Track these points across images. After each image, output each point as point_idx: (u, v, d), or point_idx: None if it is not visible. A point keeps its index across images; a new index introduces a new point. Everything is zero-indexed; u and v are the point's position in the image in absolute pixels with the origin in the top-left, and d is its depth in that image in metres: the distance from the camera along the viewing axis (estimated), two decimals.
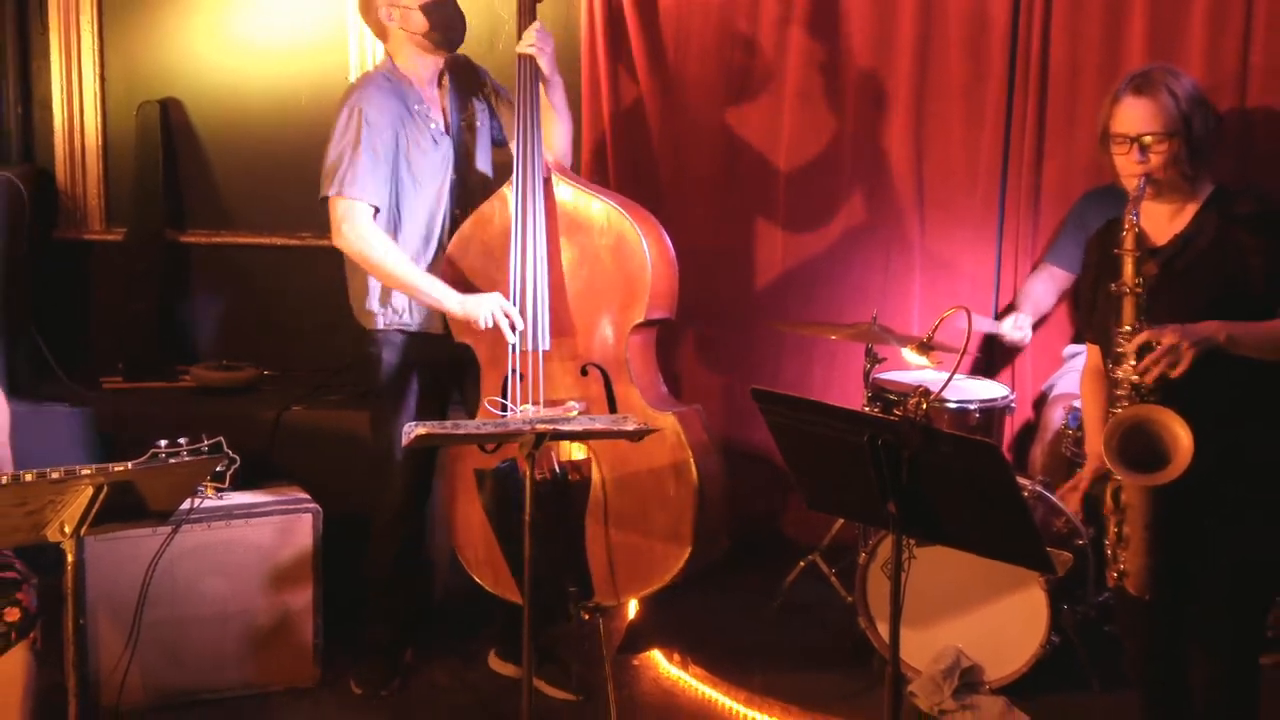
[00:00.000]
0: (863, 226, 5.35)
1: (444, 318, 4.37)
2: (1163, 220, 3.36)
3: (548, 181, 4.35)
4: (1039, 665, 4.33)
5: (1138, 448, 3.16)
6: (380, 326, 4.40)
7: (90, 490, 3.17)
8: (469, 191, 4.45)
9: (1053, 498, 4.55)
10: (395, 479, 4.46)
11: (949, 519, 3.11)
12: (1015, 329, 4.97)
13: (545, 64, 4.33)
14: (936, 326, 4.20)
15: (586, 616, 4.14)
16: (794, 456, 3.36)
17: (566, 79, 4.50)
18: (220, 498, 3.66)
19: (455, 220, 4.43)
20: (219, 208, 5.71)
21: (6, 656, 3.62)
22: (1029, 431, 5.13)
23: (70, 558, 3.23)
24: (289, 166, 5.52)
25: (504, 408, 4.23)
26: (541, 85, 4.34)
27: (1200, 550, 3.30)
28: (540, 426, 3.64)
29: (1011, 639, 4.35)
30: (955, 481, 3.03)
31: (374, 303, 4.39)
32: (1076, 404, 4.43)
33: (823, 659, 4.72)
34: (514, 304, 4.25)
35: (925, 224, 5.31)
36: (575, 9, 5.40)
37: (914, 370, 4.78)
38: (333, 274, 4.56)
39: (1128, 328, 3.22)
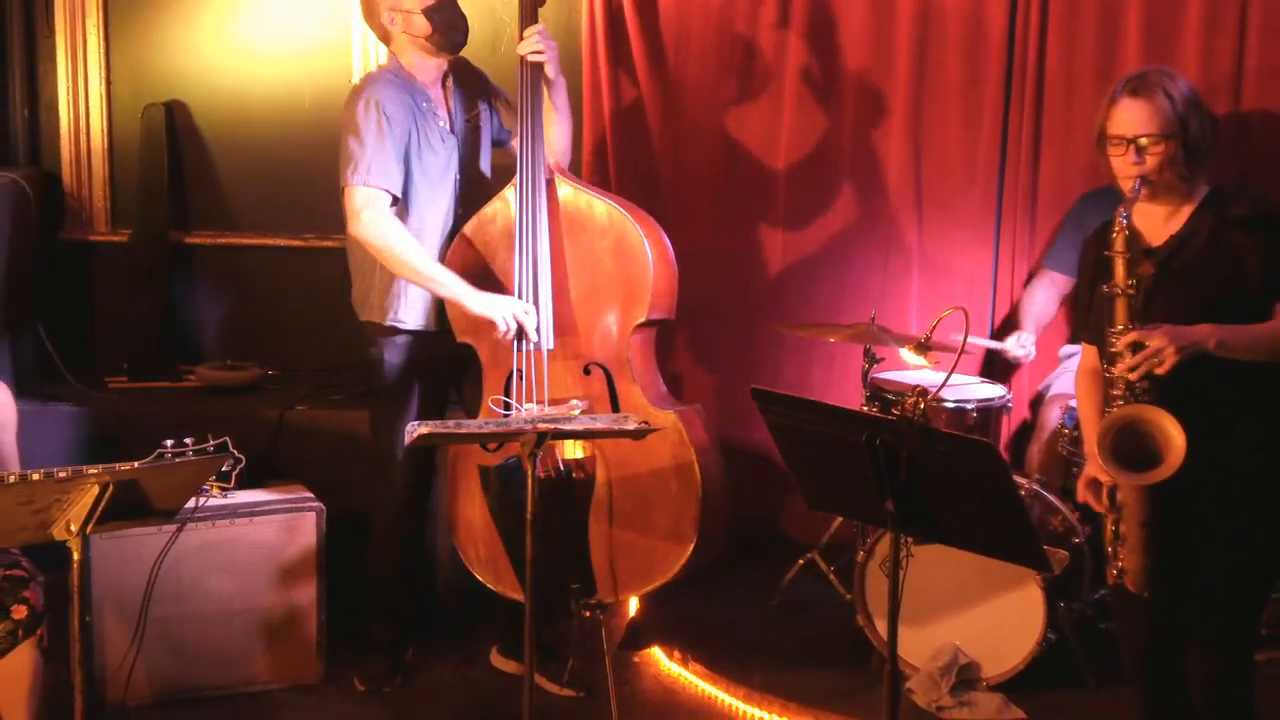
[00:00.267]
0: (861, 228, 5.36)
1: (444, 316, 4.39)
2: (1158, 221, 3.37)
3: (550, 182, 4.37)
4: (1036, 662, 4.34)
5: (1131, 447, 3.17)
6: (384, 322, 4.40)
7: (96, 489, 3.18)
8: (472, 191, 4.46)
9: (1049, 496, 4.57)
10: (397, 478, 4.47)
11: (947, 517, 3.12)
12: (1019, 347, 4.96)
13: (550, 69, 4.36)
14: (934, 327, 4.24)
15: (588, 613, 4.17)
16: (793, 456, 3.37)
17: (567, 80, 4.52)
18: (225, 497, 3.68)
19: (459, 219, 4.44)
20: (223, 209, 5.71)
21: (14, 653, 3.63)
22: (1026, 431, 5.14)
23: (76, 556, 3.24)
24: (293, 168, 5.54)
25: (507, 406, 4.24)
26: (545, 87, 4.36)
27: (1194, 549, 3.31)
28: (542, 426, 3.65)
29: (1008, 636, 4.36)
30: (953, 480, 3.04)
31: (377, 300, 4.40)
32: (1073, 404, 4.43)
33: (821, 656, 4.73)
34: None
35: (923, 225, 5.32)
36: (576, 12, 5.40)
37: (912, 370, 4.78)
38: (336, 274, 4.58)
39: (1120, 327, 3.23)
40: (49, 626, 3.71)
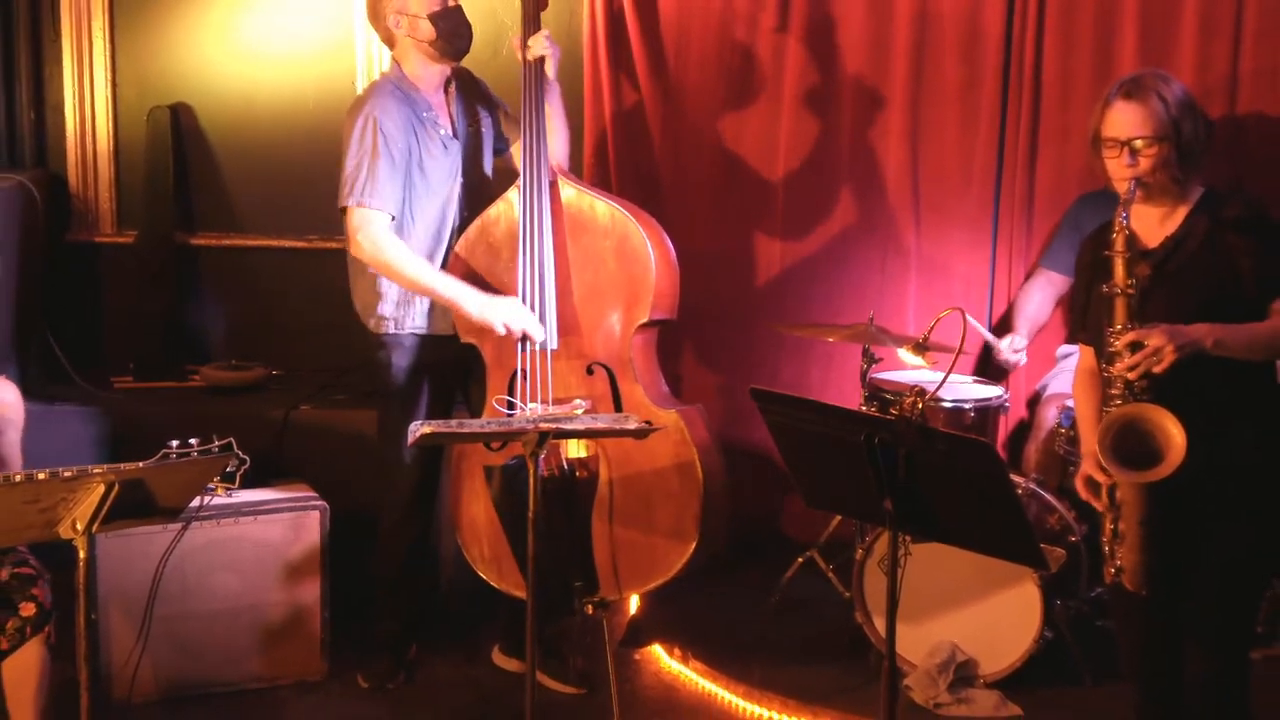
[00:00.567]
0: (859, 229, 5.37)
1: (449, 319, 4.42)
2: (1153, 223, 3.38)
3: (553, 184, 4.40)
4: (1033, 660, 4.36)
5: (1131, 445, 3.18)
6: (389, 331, 4.44)
7: (101, 488, 3.20)
8: (475, 196, 4.49)
9: (1046, 495, 4.59)
10: (403, 480, 4.49)
11: (945, 516, 3.14)
12: (1012, 351, 4.98)
13: (551, 68, 4.40)
14: (932, 327, 4.27)
15: (590, 611, 4.18)
16: (792, 455, 3.39)
17: (568, 85, 4.55)
18: (230, 496, 3.71)
19: (464, 223, 4.47)
20: (228, 211, 5.73)
21: (22, 651, 3.66)
22: (1023, 430, 5.16)
23: (82, 554, 3.26)
24: (297, 170, 5.57)
25: (511, 405, 4.27)
26: (545, 90, 4.40)
27: (1192, 548, 3.33)
28: (544, 425, 3.67)
29: (1006, 634, 4.38)
30: (951, 479, 3.06)
31: (381, 308, 4.43)
32: (1070, 403, 4.44)
33: (820, 653, 4.74)
34: (523, 303, 4.29)
35: (921, 227, 5.34)
36: (578, 17, 5.43)
37: (910, 370, 4.79)
38: (339, 275, 4.58)
39: (1119, 326, 3.24)
40: (56, 624, 3.73)
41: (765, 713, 4.38)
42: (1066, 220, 5.03)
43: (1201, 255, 3.31)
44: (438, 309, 4.43)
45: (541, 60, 4.39)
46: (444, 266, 4.42)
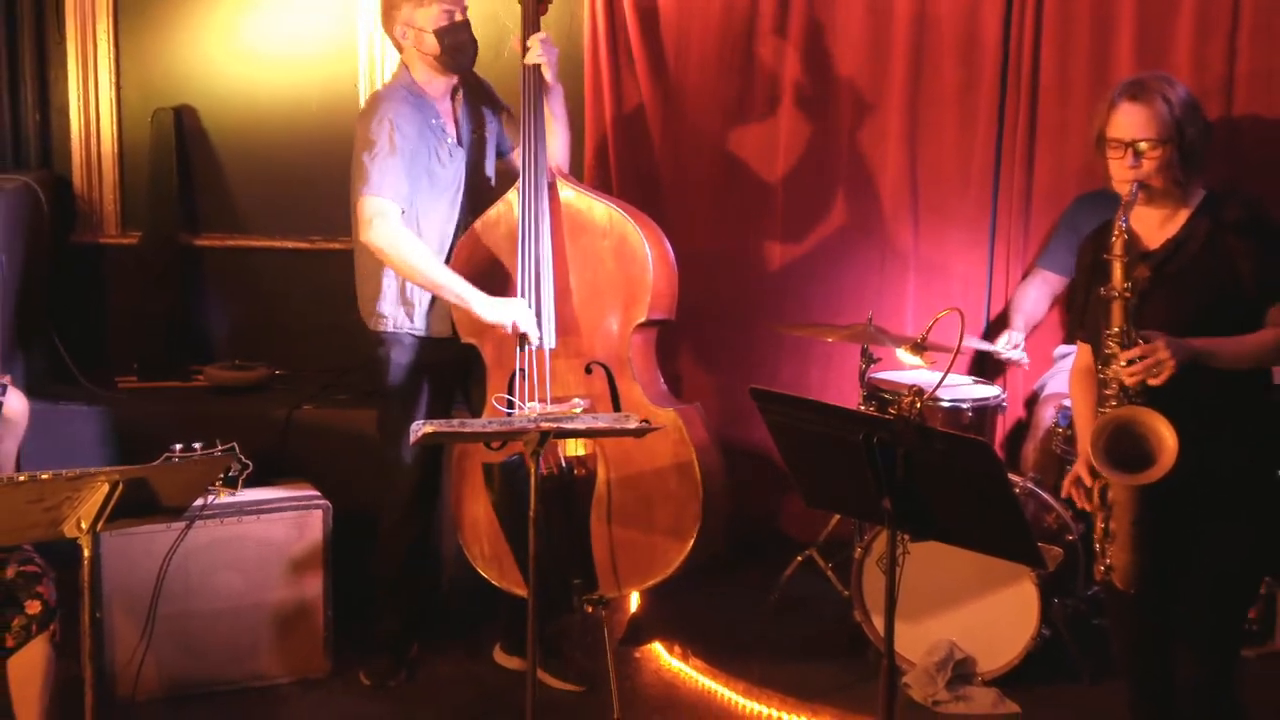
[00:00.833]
0: (858, 230, 5.39)
1: (448, 321, 4.44)
2: (1154, 225, 3.38)
3: (552, 185, 4.42)
4: (1030, 657, 4.38)
5: (1124, 448, 3.19)
6: (388, 329, 4.47)
7: (105, 487, 3.22)
8: (480, 200, 4.52)
9: (1044, 494, 4.60)
10: (404, 479, 4.52)
11: (943, 515, 3.15)
12: (1010, 348, 4.98)
13: (549, 74, 4.43)
14: (930, 328, 4.30)
15: (590, 609, 4.21)
16: (792, 454, 3.40)
17: (569, 87, 4.56)
18: (233, 496, 3.74)
19: (467, 228, 4.50)
20: (231, 212, 5.75)
21: (27, 648, 3.68)
22: (1021, 430, 5.18)
23: (87, 552, 3.28)
24: (300, 172, 5.60)
25: (510, 405, 4.29)
26: (544, 93, 4.43)
27: (1184, 550, 3.34)
28: (545, 425, 3.70)
29: (1003, 632, 4.40)
30: (949, 479, 3.08)
31: (385, 306, 4.45)
32: (1067, 403, 4.43)
33: (819, 651, 4.76)
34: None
35: (919, 227, 5.35)
36: (579, 18, 5.45)
37: (908, 370, 4.80)
38: (341, 276, 4.61)
39: (1116, 329, 3.24)
40: (61, 622, 3.74)
41: (765, 710, 4.39)
42: (1063, 221, 5.05)
43: (1202, 258, 3.31)
44: (437, 311, 4.45)
45: (539, 65, 4.42)
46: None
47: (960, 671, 4.42)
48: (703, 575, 4.65)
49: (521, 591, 4.25)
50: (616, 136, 5.43)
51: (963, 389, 4.82)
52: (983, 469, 3.03)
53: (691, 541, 4.28)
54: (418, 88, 4.44)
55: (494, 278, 4.41)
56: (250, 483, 3.76)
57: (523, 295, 4.32)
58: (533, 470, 3.68)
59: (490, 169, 4.63)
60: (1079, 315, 3.57)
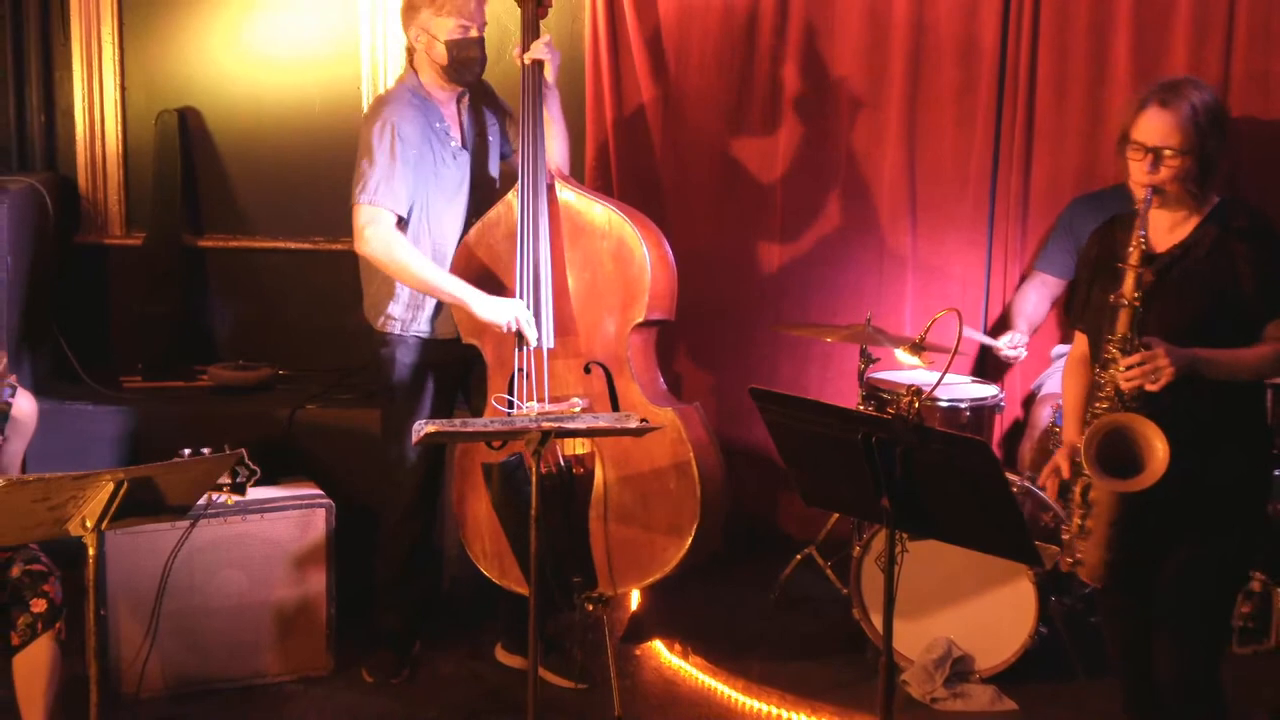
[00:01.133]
0: (857, 231, 5.40)
1: (452, 323, 4.46)
2: (1164, 229, 3.39)
3: (551, 187, 4.44)
4: (1027, 655, 4.40)
5: (1114, 453, 3.21)
6: (395, 332, 4.49)
7: (110, 486, 3.25)
8: (484, 203, 4.53)
9: (1041, 493, 4.60)
10: (407, 478, 4.54)
11: (941, 514, 3.18)
12: (1011, 347, 5.00)
13: (550, 72, 4.46)
14: (928, 328, 4.31)
15: (590, 607, 4.22)
16: (791, 454, 3.42)
17: (570, 91, 4.58)
18: (242, 496, 3.78)
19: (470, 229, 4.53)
20: (235, 213, 5.77)
21: (33, 646, 3.70)
22: (1018, 429, 5.19)
23: (91, 551, 3.32)
24: (303, 173, 5.62)
25: (510, 404, 4.31)
26: (544, 93, 4.46)
27: (1162, 554, 3.37)
28: (546, 424, 3.72)
29: (1001, 630, 4.41)
30: (947, 478, 3.10)
31: (391, 308, 4.48)
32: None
33: (819, 649, 4.78)
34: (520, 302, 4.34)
35: (917, 229, 5.37)
36: (579, 21, 5.47)
37: (907, 370, 4.82)
38: (344, 276, 4.63)
39: (1120, 336, 3.26)
40: (66, 620, 3.77)
41: (764, 707, 4.41)
42: (1060, 223, 5.07)
43: (1206, 264, 3.33)
44: (442, 314, 4.48)
45: (540, 65, 4.45)
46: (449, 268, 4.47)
47: (958, 669, 4.44)
48: (703, 573, 4.67)
49: (522, 589, 4.27)
50: (617, 139, 5.45)
51: (960, 389, 4.84)
52: (980, 468, 3.05)
53: (689, 540, 4.30)
54: (424, 90, 4.47)
55: (493, 279, 4.43)
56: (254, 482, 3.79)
57: (521, 296, 4.35)
58: (534, 469, 3.70)
59: (495, 171, 4.65)
60: (1081, 305, 3.57)
